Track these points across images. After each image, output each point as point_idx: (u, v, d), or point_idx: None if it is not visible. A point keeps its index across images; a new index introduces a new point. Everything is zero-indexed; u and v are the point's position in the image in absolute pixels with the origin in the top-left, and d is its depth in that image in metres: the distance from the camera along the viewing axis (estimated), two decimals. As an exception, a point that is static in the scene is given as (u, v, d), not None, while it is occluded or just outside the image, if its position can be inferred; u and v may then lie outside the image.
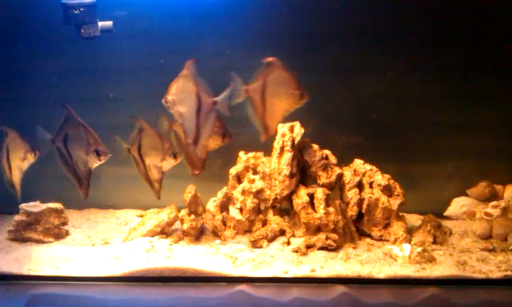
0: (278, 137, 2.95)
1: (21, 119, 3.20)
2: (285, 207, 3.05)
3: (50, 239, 2.96)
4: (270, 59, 2.71)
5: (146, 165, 2.85)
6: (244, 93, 2.71)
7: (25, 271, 2.63)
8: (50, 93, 3.12)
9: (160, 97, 3.13)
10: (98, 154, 2.73)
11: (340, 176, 2.99)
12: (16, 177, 2.96)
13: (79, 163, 2.78)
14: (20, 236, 2.94)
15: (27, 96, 3.18)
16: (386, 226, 2.95)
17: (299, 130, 2.93)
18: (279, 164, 2.93)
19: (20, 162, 2.94)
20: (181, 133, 2.83)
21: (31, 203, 2.98)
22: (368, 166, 3.02)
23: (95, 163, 2.76)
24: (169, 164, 2.84)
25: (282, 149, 2.93)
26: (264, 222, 2.99)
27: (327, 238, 2.78)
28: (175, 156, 2.81)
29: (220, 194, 3.05)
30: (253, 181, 3.01)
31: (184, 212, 2.95)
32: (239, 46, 3.09)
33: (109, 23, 2.69)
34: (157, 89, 3.14)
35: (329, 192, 2.92)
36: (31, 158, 2.93)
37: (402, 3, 3.04)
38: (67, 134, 2.77)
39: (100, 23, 2.67)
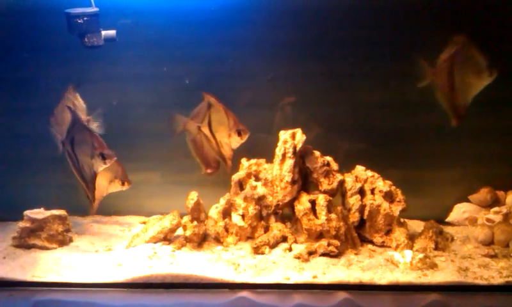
0: (279, 144, 2.97)
1: (24, 127, 3.24)
2: (287, 213, 3.06)
3: (54, 246, 2.97)
4: (457, 36, 2.61)
5: (218, 142, 2.75)
6: (430, 76, 2.63)
7: (29, 277, 2.65)
8: (55, 101, 3.14)
9: (163, 105, 3.18)
10: (103, 157, 2.74)
11: (341, 183, 3.00)
12: (99, 193, 2.98)
13: (85, 166, 2.79)
14: (24, 243, 2.96)
15: (31, 104, 3.21)
16: (388, 232, 2.96)
17: (300, 136, 2.95)
18: (281, 170, 2.94)
19: (106, 182, 2.98)
20: (194, 132, 2.82)
21: (35, 210, 3.00)
22: (369, 173, 3.03)
23: (100, 167, 2.77)
24: (235, 141, 2.75)
25: (284, 156, 2.95)
26: (266, 229, 3.01)
27: (329, 245, 2.79)
28: (239, 133, 2.72)
29: (222, 201, 3.06)
30: (255, 187, 3.02)
31: (186, 219, 2.97)
32: (240, 53, 3.11)
33: (112, 32, 2.71)
34: (160, 97, 3.19)
35: (331, 199, 2.93)
36: (117, 185, 3.00)
37: (404, 10, 3.05)
38: (73, 138, 2.79)
39: (104, 33, 2.69)
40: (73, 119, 2.79)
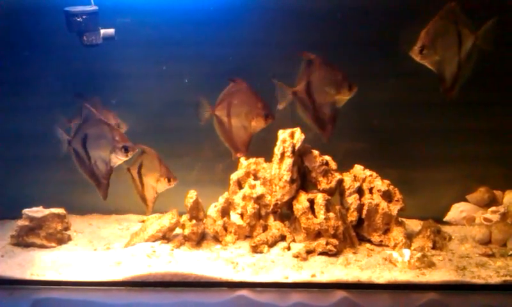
0: (278, 143, 2.98)
1: (24, 126, 3.24)
2: (285, 212, 3.06)
3: (53, 244, 2.98)
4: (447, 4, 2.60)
5: (317, 105, 2.60)
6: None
7: (27, 276, 2.65)
8: (54, 99, 3.15)
9: (162, 103, 3.18)
10: (126, 150, 2.71)
11: (340, 182, 3.00)
12: (150, 194, 2.95)
13: (99, 162, 2.76)
14: (22, 241, 2.96)
15: (31, 102, 3.21)
16: (386, 231, 2.97)
17: (299, 136, 2.95)
18: (279, 169, 2.95)
19: (154, 183, 2.93)
20: (223, 117, 2.82)
21: (34, 208, 3.00)
22: (368, 172, 3.04)
23: (119, 160, 2.74)
24: (344, 96, 2.60)
25: (283, 155, 2.95)
26: (265, 228, 3.01)
27: (327, 244, 2.80)
28: (350, 87, 2.56)
29: (221, 200, 3.07)
30: (253, 186, 3.03)
31: (185, 217, 2.97)
32: (239, 53, 3.11)
33: (111, 30, 2.71)
34: (159, 96, 3.20)
35: (330, 198, 2.94)
36: (164, 183, 2.92)
37: (403, 11, 3.06)
38: (86, 134, 2.75)
39: (102, 31, 2.69)
40: (86, 115, 2.75)
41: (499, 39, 3.03)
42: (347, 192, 2.99)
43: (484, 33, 2.72)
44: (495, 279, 2.61)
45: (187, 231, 2.92)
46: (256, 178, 3.09)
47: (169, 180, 2.92)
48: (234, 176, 3.10)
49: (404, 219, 3.08)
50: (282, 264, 2.72)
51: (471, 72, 2.79)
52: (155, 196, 2.95)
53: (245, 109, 2.84)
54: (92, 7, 2.66)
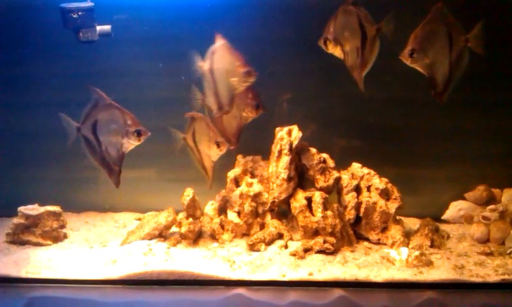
0: (275, 140, 2.96)
1: (19, 123, 3.22)
2: (283, 210, 3.05)
3: (49, 242, 2.97)
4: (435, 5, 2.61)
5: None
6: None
7: (23, 274, 2.64)
8: (50, 96, 3.13)
9: (159, 100, 3.17)
10: (139, 134, 2.67)
11: (337, 180, 2.99)
12: (207, 162, 2.86)
13: (110, 148, 2.70)
14: (18, 239, 2.95)
15: (27, 100, 3.19)
16: (384, 229, 2.95)
17: (297, 133, 2.94)
18: (277, 167, 2.93)
19: (207, 150, 2.82)
20: (213, 106, 2.78)
21: (30, 206, 2.99)
22: (366, 170, 3.02)
23: (132, 145, 2.70)
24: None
25: (280, 152, 2.94)
26: (262, 226, 3.00)
27: (325, 242, 2.79)
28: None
29: (218, 198, 3.06)
30: (251, 184, 3.01)
31: (181, 215, 2.96)
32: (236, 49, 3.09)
33: (107, 27, 2.70)
34: (156, 93, 3.18)
35: (327, 196, 2.92)
36: (215, 150, 2.80)
37: (400, 6, 3.04)
38: (96, 120, 2.69)
39: (98, 28, 2.68)
40: (95, 100, 2.69)
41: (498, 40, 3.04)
42: (345, 190, 2.98)
43: (476, 35, 2.68)
44: (493, 278, 2.60)
45: (183, 229, 2.91)
46: (253, 175, 3.08)
47: (218, 145, 2.82)
48: (231, 174, 3.09)
49: (402, 217, 3.07)
50: (279, 262, 2.71)
51: (462, 75, 2.76)
52: (212, 165, 2.86)
53: (235, 99, 2.82)
54: (88, 4, 2.65)
